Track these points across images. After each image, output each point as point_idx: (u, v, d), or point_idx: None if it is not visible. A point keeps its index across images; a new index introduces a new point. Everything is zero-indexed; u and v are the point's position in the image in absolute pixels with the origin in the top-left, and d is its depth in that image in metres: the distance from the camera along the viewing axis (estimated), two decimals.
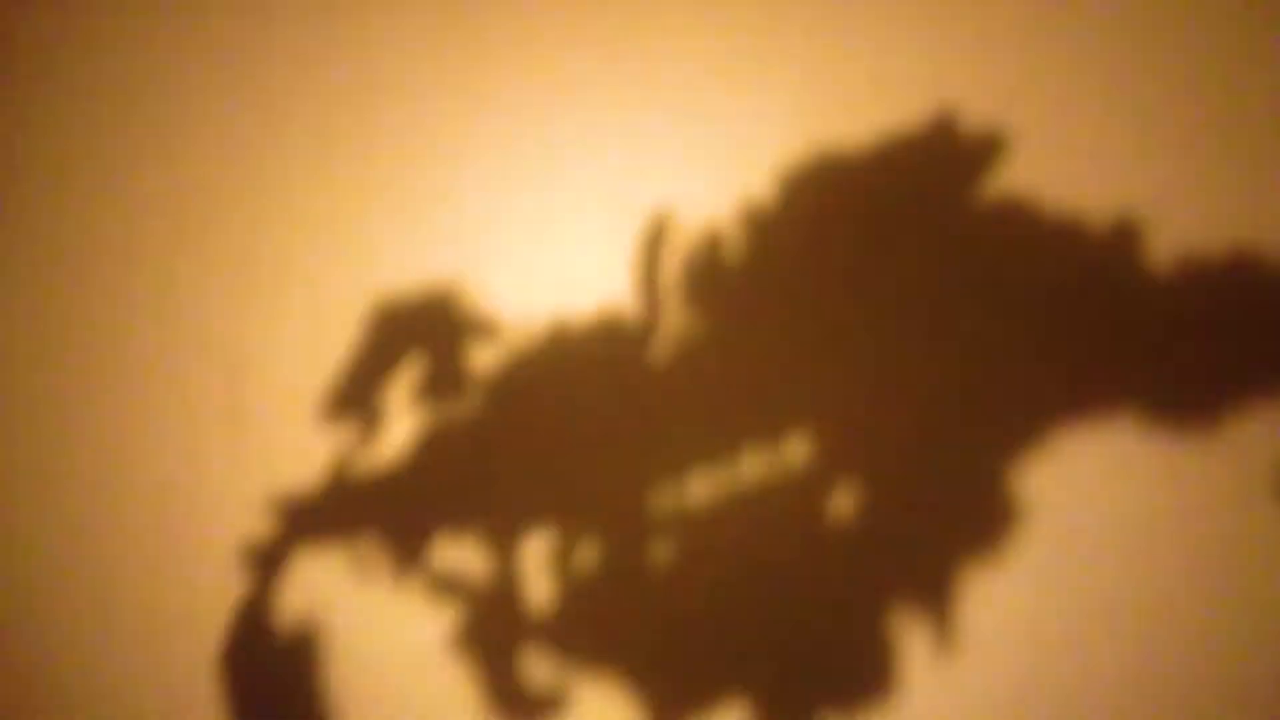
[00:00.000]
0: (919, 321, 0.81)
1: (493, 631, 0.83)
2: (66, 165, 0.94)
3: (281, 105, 0.90)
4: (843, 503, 0.81)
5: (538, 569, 0.82)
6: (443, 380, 0.83)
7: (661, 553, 0.81)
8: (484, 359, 0.83)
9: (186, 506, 0.90)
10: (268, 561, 0.86)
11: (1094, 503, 0.81)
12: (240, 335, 0.91)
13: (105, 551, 0.91)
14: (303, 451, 0.87)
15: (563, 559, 0.81)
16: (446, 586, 0.82)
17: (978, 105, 0.86)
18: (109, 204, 0.94)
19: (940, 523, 0.80)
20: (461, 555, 0.84)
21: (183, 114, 0.93)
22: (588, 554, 0.82)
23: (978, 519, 0.81)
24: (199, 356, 0.89)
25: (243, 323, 0.91)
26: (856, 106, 0.85)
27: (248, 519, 0.87)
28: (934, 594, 0.80)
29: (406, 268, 0.87)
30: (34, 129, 0.92)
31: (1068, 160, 0.84)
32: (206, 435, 0.89)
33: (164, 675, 0.89)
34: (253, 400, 0.89)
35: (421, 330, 0.85)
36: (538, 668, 0.82)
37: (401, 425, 0.85)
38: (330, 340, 0.88)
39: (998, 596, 0.80)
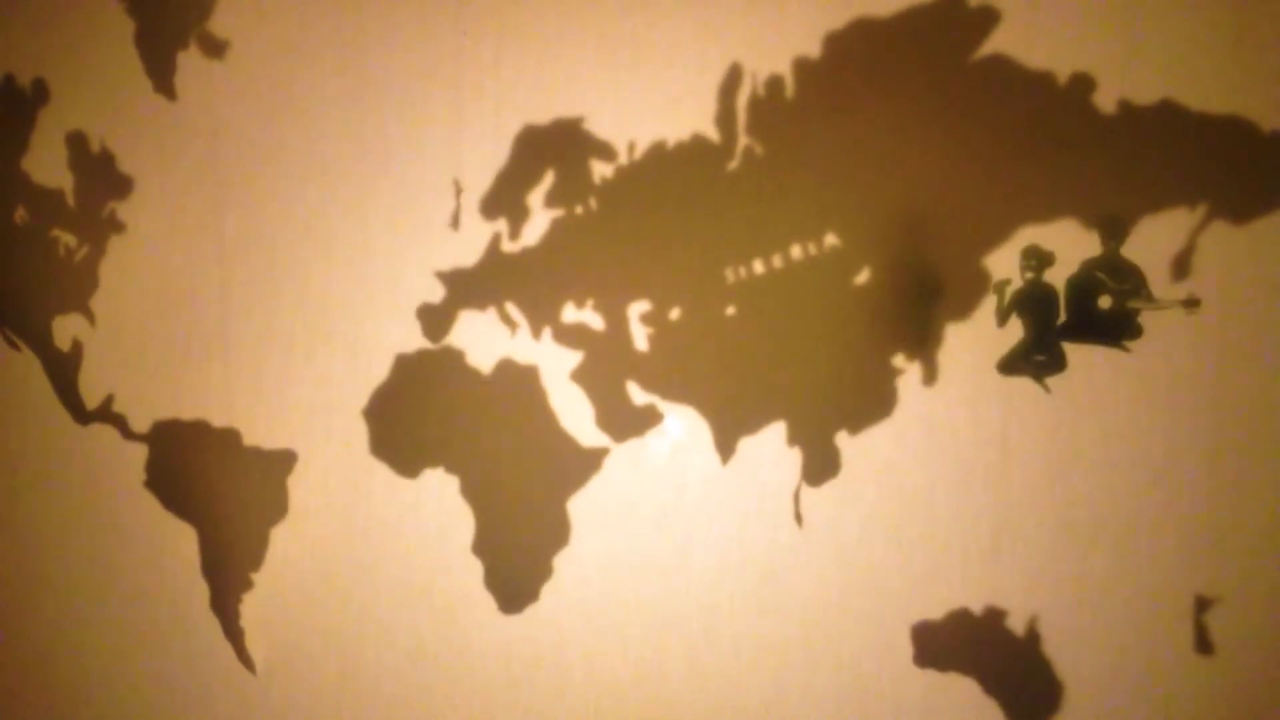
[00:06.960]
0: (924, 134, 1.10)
1: (606, 368, 1.14)
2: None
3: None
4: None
5: (639, 323, 1.13)
6: (577, 186, 1.14)
7: (728, 306, 1.11)
8: (608, 173, 1.14)
9: None
10: None
11: None
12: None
13: None
14: None
15: (657, 317, 1.12)
16: (576, 338, 1.13)
17: None
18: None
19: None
20: (588, 317, 1.15)
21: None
22: (675, 310, 1.12)
23: None
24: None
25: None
26: None
27: None
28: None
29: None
30: None
31: None
32: None
33: None
34: None
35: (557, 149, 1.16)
36: (638, 393, 1.14)
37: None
38: None
39: None
